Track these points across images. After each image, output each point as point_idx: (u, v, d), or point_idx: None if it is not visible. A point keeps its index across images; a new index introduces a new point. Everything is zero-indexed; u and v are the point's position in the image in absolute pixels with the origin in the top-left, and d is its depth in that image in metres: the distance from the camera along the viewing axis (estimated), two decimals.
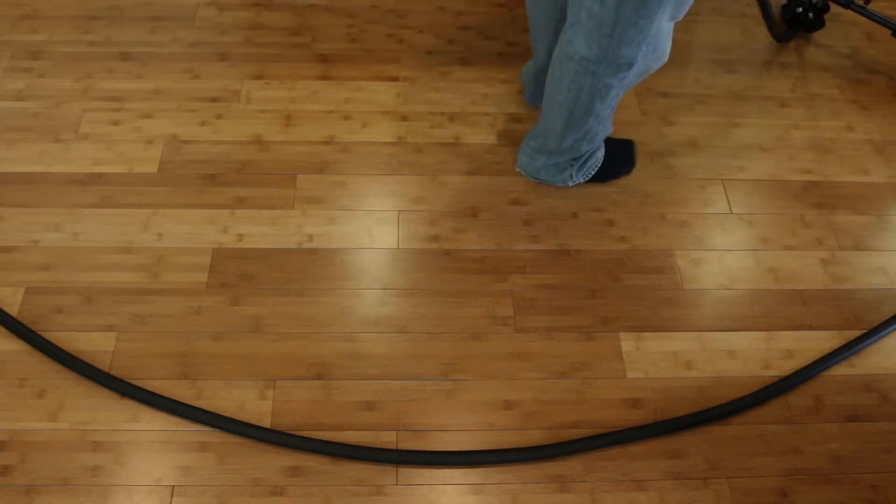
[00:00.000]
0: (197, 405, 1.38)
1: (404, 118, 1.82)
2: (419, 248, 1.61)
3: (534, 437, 1.39)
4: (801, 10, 1.98)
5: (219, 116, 1.79)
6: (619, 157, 1.72)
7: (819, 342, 1.53)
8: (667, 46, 1.42)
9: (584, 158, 1.64)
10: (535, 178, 1.70)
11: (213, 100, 1.83)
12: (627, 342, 1.51)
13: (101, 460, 1.33)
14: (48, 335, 1.45)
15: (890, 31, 1.92)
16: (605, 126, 1.58)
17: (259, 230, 1.62)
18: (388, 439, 1.38)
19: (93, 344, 1.45)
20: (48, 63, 1.87)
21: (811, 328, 1.54)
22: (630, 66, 1.36)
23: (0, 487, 1.29)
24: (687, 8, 1.34)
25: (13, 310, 1.48)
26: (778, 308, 1.57)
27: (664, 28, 1.34)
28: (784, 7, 2.02)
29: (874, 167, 1.80)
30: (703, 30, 2.07)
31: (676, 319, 1.54)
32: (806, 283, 1.61)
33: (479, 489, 1.33)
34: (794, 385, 1.47)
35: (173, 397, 1.39)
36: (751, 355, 1.51)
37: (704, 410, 1.42)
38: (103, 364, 1.43)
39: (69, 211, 1.62)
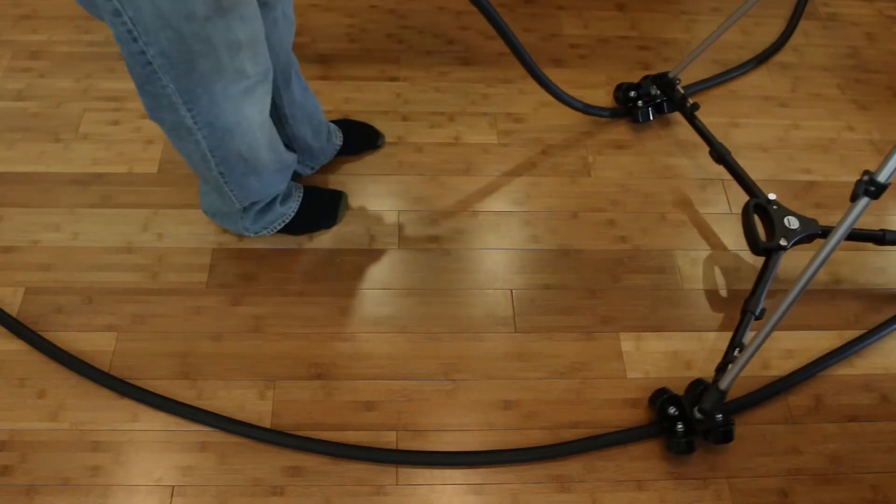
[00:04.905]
0: (197, 405, 1.38)
1: (404, 118, 1.82)
2: (419, 248, 1.61)
3: (534, 437, 1.39)
4: (633, 93, 1.80)
5: None
6: (317, 211, 1.60)
7: (819, 342, 1.53)
8: (235, 119, 1.20)
9: (255, 210, 1.49)
10: (214, 219, 1.58)
11: None
12: (627, 342, 1.51)
13: (101, 460, 1.33)
14: (48, 335, 1.45)
15: (708, 150, 1.68)
16: (242, 190, 1.38)
17: None
18: (388, 439, 1.38)
19: (93, 344, 1.45)
20: (48, 63, 1.87)
21: (811, 328, 1.54)
22: (187, 128, 1.19)
23: (0, 487, 1.29)
24: (247, 77, 1.16)
25: (13, 310, 1.48)
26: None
27: (220, 97, 1.15)
28: (618, 87, 1.85)
29: (874, 167, 1.79)
30: (703, 30, 2.07)
31: (676, 319, 1.54)
32: None
33: (479, 489, 1.33)
34: (794, 385, 1.47)
35: (173, 397, 1.39)
36: None
37: None
38: (103, 364, 1.42)
39: (69, 211, 1.62)
